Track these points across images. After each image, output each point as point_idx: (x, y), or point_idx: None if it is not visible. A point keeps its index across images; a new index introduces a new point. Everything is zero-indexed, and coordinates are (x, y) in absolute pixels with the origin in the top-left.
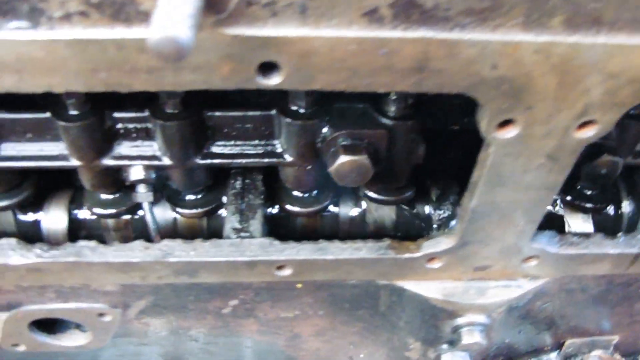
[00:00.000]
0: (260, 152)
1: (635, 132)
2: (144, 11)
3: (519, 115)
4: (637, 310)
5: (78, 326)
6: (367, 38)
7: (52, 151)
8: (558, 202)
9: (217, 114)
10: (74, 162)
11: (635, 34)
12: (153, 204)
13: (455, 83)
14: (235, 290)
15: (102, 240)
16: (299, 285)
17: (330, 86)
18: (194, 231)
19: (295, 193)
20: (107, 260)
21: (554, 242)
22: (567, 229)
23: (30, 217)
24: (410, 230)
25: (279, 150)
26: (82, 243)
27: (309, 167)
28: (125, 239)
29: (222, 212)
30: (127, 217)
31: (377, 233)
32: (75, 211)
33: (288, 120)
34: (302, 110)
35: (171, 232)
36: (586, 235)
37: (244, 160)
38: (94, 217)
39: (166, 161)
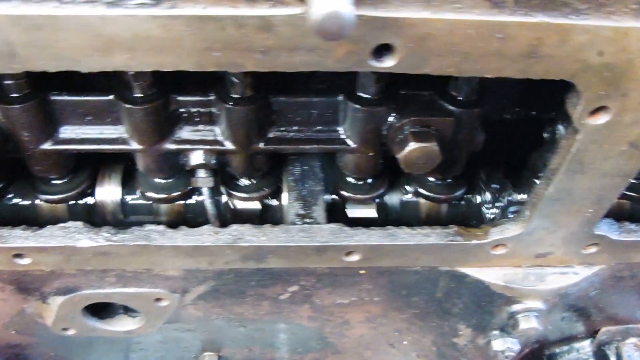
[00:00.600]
0: (323, 138)
1: None
2: None
3: (613, 102)
4: None
5: (127, 311)
6: (487, 22)
7: (111, 134)
8: None
9: (284, 99)
10: (134, 146)
11: None
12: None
13: (561, 69)
14: (298, 276)
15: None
16: (363, 272)
17: (439, 70)
18: (246, 217)
19: (350, 180)
20: (177, 244)
21: (613, 229)
22: None
23: (82, 201)
24: (462, 218)
25: (342, 136)
26: (150, 227)
27: (371, 154)
28: (177, 225)
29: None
30: (181, 202)
31: (427, 221)
32: (127, 195)
33: (356, 106)
34: (370, 97)
35: (224, 218)
36: None
37: (307, 147)
38: (147, 201)
39: (229, 146)
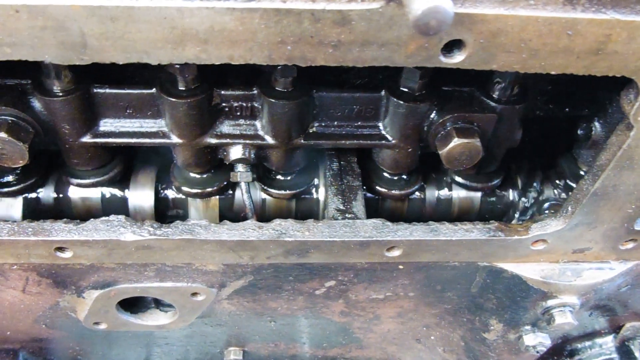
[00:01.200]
0: (363, 133)
1: None
2: None
3: None
4: None
5: (158, 305)
6: (559, 19)
7: (151, 128)
8: None
9: (327, 94)
10: (174, 140)
11: None
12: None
13: (624, 66)
14: (337, 271)
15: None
16: (401, 267)
17: (505, 66)
18: (282, 212)
19: (387, 175)
20: (221, 239)
21: None
22: None
23: (117, 194)
24: (492, 215)
25: (383, 132)
26: (193, 221)
27: (409, 150)
28: (212, 219)
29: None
30: (216, 197)
31: (459, 217)
32: (162, 189)
33: (399, 102)
34: (413, 93)
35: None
36: None
37: (346, 142)
38: (181, 195)
39: (269, 140)
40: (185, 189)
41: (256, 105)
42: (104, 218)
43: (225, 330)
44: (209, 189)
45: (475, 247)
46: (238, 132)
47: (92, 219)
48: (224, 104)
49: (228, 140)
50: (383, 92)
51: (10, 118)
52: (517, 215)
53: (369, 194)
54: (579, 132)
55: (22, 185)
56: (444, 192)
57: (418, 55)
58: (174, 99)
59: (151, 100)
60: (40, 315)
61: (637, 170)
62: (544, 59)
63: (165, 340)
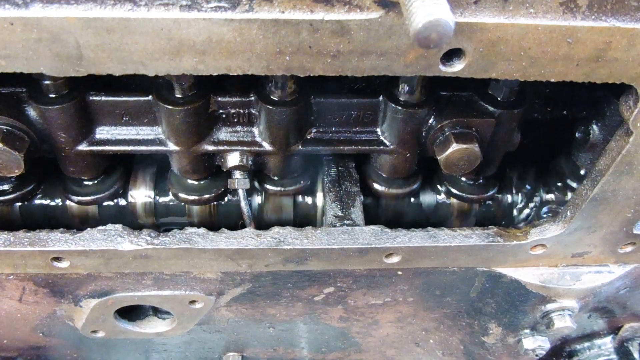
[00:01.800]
0: (361, 139)
1: None
2: None
3: None
4: None
5: (156, 312)
6: (559, 27)
7: (148, 135)
8: None
9: (324, 100)
10: (171, 147)
11: None
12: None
13: (623, 73)
14: (335, 278)
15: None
16: (400, 273)
17: (505, 75)
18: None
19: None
20: (219, 247)
21: None
22: None
23: (114, 202)
24: (490, 220)
25: (381, 137)
26: (190, 230)
27: (407, 155)
28: (209, 227)
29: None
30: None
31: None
32: (159, 197)
33: (397, 107)
34: (410, 98)
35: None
36: None
37: (344, 147)
38: (178, 202)
39: (266, 147)
40: (182, 195)
41: (253, 111)
42: (100, 227)
43: (223, 336)
44: (207, 196)
45: (474, 252)
46: (235, 139)
47: (88, 229)
48: (221, 111)
49: (225, 147)
50: (381, 98)
51: (5, 127)
52: (515, 214)
53: (367, 200)
54: (577, 134)
55: (17, 193)
56: (442, 197)
57: (417, 64)
58: (170, 107)
59: (148, 107)
60: (37, 324)
61: (636, 175)
62: (544, 67)
63: (164, 346)
